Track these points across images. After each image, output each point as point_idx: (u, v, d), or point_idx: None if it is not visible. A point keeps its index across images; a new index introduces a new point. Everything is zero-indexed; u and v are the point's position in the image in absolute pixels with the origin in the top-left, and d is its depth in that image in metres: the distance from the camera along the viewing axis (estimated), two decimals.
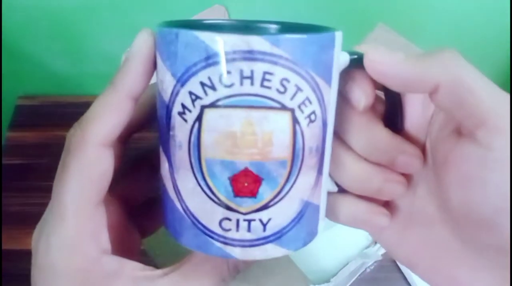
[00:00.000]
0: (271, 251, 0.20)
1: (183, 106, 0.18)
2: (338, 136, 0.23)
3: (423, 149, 0.23)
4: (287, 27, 0.23)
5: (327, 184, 0.22)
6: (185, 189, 0.20)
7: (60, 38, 0.64)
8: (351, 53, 0.21)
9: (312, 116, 0.19)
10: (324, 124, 0.20)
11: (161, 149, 0.21)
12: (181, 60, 0.18)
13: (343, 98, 0.22)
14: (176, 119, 0.19)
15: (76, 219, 0.19)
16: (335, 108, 0.21)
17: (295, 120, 0.18)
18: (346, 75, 0.21)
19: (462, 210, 0.20)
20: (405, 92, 0.22)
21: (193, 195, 0.19)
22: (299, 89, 0.18)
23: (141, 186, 0.25)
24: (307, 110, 0.19)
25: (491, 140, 0.19)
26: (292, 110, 0.18)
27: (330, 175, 0.23)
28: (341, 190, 0.23)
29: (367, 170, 0.22)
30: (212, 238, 0.20)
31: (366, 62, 0.20)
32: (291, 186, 0.19)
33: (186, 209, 0.20)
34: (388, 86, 0.20)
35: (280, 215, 0.20)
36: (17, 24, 0.61)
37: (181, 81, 0.18)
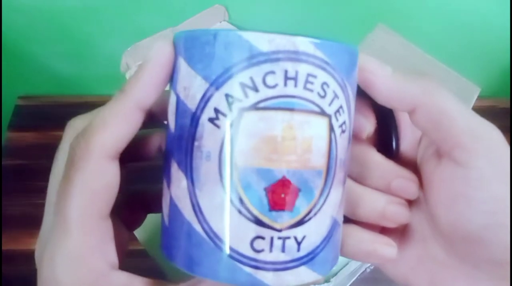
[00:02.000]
0: (304, 275, 0.18)
1: (217, 111, 0.17)
2: None
3: (415, 171, 0.23)
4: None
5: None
6: (210, 206, 0.18)
7: (60, 38, 0.64)
8: None
9: (344, 127, 0.19)
10: (350, 137, 0.20)
11: (174, 166, 0.19)
12: (219, 61, 0.17)
13: None
14: (205, 126, 0.17)
15: (82, 233, 0.18)
16: None
17: (331, 128, 0.18)
18: None
19: (450, 227, 0.21)
20: (388, 106, 0.22)
21: (221, 213, 0.17)
22: (336, 96, 0.18)
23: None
24: (340, 119, 0.18)
25: (470, 160, 0.19)
26: (329, 117, 0.18)
27: None
28: (345, 220, 0.22)
29: (368, 192, 0.22)
30: (241, 262, 0.17)
31: (359, 71, 0.20)
32: (325, 200, 0.18)
33: (209, 231, 0.18)
34: (374, 97, 0.21)
35: (314, 233, 0.18)
36: (17, 25, 0.61)
37: (217, 83, 0.17)
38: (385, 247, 0.22)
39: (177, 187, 0.19)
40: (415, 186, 0.22)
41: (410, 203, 0.23)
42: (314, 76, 0.17)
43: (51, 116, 0.66)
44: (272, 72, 0.17)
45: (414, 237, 0.23)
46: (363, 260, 0.22)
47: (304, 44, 0.17)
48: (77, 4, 0.59)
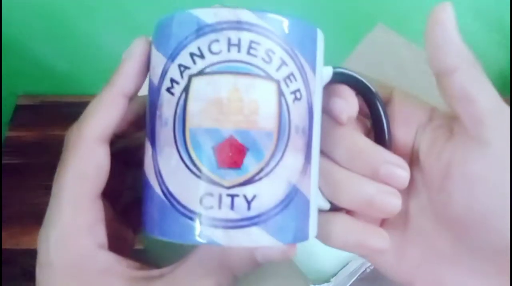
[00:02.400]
0: (256, 236, 0.18)
1: (172, 80, 0.19)
2: (323, 152, 0.22)
3: (410, 163, 0.22)
4: None
5: (316, 183, 0.21)
6: (167, 168, 0.19)
7: (60, 38, 0.64)
8: (334, 67, 0.22)
9: (298, 94, 0.19)
10: (310, 108, 0.20)
11: (146, 140, 0.21)
12: (174, 38, 0.19)
13: (327, 114, 0.22)
14: (164, 96, 0.19)
15: (73, 212, 0.20)
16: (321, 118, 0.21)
17: (280, 93, 0.19)
18: (330, 90, 0.22)
19: (464, 211, 0.20)
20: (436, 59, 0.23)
21: (175, 173, 0.19)
22: (284, 62, 0.19)
23: (119, 183, 0.24)
24: (292, 86, 0.19)
25: (492, 139, 0.19)
26: (277, 82, 0.19)
27: (321, 191, 0.22)
28: (334, 208, 0.22)
29: (355, 178, 0.21)
30: (192, 219, 0.18)
31: (430, 17, 0.22)
32: (277, 162, 0.19)
33: (166, 192, 0.19)
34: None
35: (266, 193, 0.19)
36: (17, 24, 0.61)
37: (172, 57, 0.19)
38: (376, 237, 0.21)
39: (147, 157, 0.20)
40: (405, 173, 0.21)
41: (408, 194, 0.22)
42: (257, 43, 0.19)
43: (50, 115, 0.66)
44: (216, 40, 0.19)
45: (418, 237, 0.22)
46: (352, 250, 0.22)
47: (246, 15, 0.19)
48: (78, 4, 0.59)
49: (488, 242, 0.20)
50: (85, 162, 0.20)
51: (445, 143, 0.21)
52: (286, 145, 0.19)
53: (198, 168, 0.18)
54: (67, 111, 0.68)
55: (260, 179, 0.19)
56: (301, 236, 0.20)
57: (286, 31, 0.19)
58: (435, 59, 0.22)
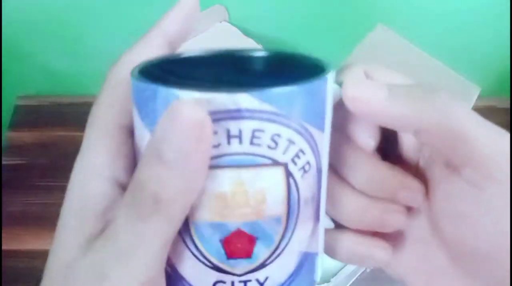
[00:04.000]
0: None
1: None
2: (335, 171, 0.22)
3: (417, 174, 0.22)
4: (273, 58, 0.21)
5: (324, 224, 0.21)
6: (175, 252, 0.18)
7: (60, 38, 0.64)
8: (339, 82, 0.20)
9: (306, 167, 0.18)
10: (319, 171, 0.19)
11: None
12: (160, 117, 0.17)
13: (343, 135, 0.21)
14: None
15: (98, 143, 0.18)
16: (329, 145, 0.20)
17: (288, 174, 0.17)
18: (343, 107, 0.20)
19: (456, 242, 0.20)
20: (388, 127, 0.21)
21: (183, 259, 0.18)
22: (291, 142, 0.17)
23: None
24: (300, 162, 0.18)
25: (483, 183, 0.18)
26: (285, 165, 0.17)
27: (326, 212, 0.21)
28: (338, 226, 0.22)
29: (365, 202, 0.21)
30: None
31: (346, 99, 0.19)
32: (288, 241, 0.18)
33: (174, 276, 0.18)
34: (371, 122, 0.20)
35: (277, 272, 0.18)
36: (17, 24, 0.61)
37: None
38: (380, 251, 0.22)
39: None
40: (421, 196, 0.21)
41: (413, 209, 0.22)
42: (261, 131, 0.16)
43: (50, 116, 0.66)
44: (214, 132, 0.16)
45: (416, 239, 0.22)
46: (358, 264, 0.22)
47: (247, 101, 0.16)
48: (78, 4, 0.59)
49: (484, 271, 0.20)
50: (117, 89, 0.19)
51: (439, 170, 0.21)
52: (296, 222, 0.18)
53: (206, 259, 0.18)
54: (67, 111, 0.68)
55: (272, 262, 0.18)
56: (313, 284, 0.20)
57: (294, 106, 0.17)
58: (398, 127, 0.21)
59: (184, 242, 0.18)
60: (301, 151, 0.17)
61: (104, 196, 0.18)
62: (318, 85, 0.18)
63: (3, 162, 0.61)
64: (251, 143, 0.16)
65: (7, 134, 0.64)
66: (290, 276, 0.19)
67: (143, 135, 0.17)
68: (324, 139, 0.19)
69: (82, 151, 0.18)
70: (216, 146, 0.16)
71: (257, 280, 0.18)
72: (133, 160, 0.19)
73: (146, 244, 0.16)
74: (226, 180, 0.17)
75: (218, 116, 0.16)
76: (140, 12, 0.60)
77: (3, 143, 0.63)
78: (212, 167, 0.16)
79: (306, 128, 0.17)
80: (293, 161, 0.17)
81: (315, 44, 0.65)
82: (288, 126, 0.17)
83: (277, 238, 0.18)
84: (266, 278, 0.18)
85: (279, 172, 0.17)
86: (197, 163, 0.15)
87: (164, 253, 0.16)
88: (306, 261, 0.19)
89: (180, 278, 0.18)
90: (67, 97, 0.68)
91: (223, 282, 0.18)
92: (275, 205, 0.17)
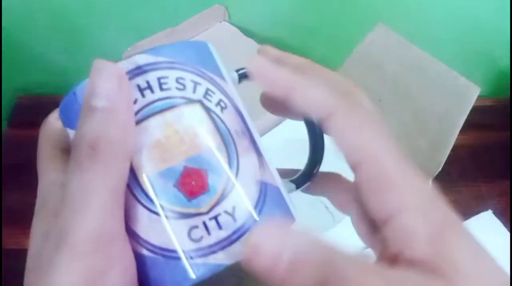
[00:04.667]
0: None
1: None
2: None
3: None
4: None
5: (274, 169, 0.21)
6: (142, 227, 0.18)
7: (60, 36, 0.64)
8: (237, 70, 0.23)
9: (222, 104, 0.20)
10: (238, 110, 0.21)
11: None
12: None
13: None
14: None
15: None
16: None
17: (207, 109, 0.19)
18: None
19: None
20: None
21: (151, 227, 0.18)
22: (197, 83, 0.20)
23: None
24: (213, 99, 0.20)
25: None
26: (199, 101, 0.19)
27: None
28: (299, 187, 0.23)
29: None
30: (191, 258, 0.18)
31: (252, 68, 0.20)
32: (237, 170, 0.19)
33: (152, 249, 0.18)
34: (271, 93, 0.20)
35: (242, 200, 0.19)
36: (17, 23, 0.61)
37: None
38: None
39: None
40: None
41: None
42: (166, 77, 0.19)
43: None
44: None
45: None
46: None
47: (142, 58, 0.19)
48: (78, 2, 0.59)
49: None
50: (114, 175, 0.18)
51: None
52: (236, 151, 0.20)
53: (171, 210, 0.18)
54: None
55: (231, 190, 0.19)
56: (289, 220, 0.21)
57: (184, 55, 0.20)
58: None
59: (146, 208, 0.18)
60: (209, 90, 0.20)
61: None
62: (197, 44, 0.21)
63: (3, 160, 0.60)
64: (161, 89, 0.19)
65: (6, 132, 0.64)
66: (257, 204, 0.19)
67: None
68: (229, 87, 0.21)
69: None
70: (135, 102, 0.19)
71: (226, 212, 0.19)
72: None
73: (91, 194, 0.16)
74: (155, 127, 0.18)
75: (128, 77, 0.19)
76: (140, 12, 0.60)
77: (3, 141, 0.63)
78: (139, 121, 0.18)
79: (204, 72, 0.20)
80: (205, 97, 0.20)
81: (315, 44, 0.65)
82: (186, 70, 0.20)
83: (225, 167, 0.19)
84: (234, 208, 0.19)
85: (197, 108, 0.19)
86: (123, 109, 0.17)
87: (114, 207, 0.17)
88: (267, 190, 0.20)
89: (156, 248, 0.18)
90: None
91: (196, 226, 0.18)
92: (208, 136, 0.19)
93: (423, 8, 0.59)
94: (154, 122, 0.19)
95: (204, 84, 0.20)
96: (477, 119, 0.49)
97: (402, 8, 0.59)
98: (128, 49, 0.54)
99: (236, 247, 0.18)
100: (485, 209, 0.54)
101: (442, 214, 0.17)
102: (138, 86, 0.19)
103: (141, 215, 0.18)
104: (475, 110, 0.46)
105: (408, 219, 0.17)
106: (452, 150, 0.46)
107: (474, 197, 0.57)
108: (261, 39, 0.61)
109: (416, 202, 0.17)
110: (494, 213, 0.54)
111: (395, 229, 0.17)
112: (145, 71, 0.19)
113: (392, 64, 0.50)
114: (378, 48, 0.50)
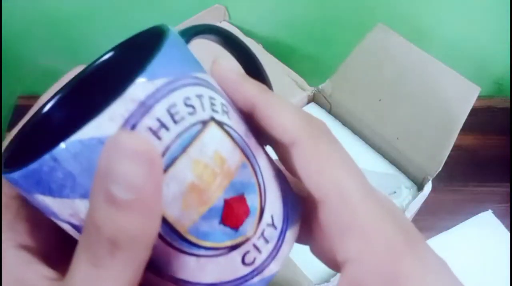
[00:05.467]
0: (290, 237, 0.19)
1: None
2: None
3: None
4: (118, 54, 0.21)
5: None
6: (190, 272, 0.17)
7: (60, 38, 0.64)
8: (181, 30, 0.19)
9: (225, 108, 0.18)
10: (231, 105, 0.19)
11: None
12: (83, 174, 0.15)
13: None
14: None
15: None
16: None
17: (220, 124, 0.17)
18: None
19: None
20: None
21: (200, 269, 0.17)
22: (200, 97, 0.16)
23: None
24: (218, 108, 0.17)
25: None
26: (212, 118, 0.17)
27: None
28: None
29: None
30: (247, 281, 0.18)
31: (217, 75, 0.19)
32: (261, 174, 0.18)
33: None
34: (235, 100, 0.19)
35: (275, 204, 0.19)
36: (17, 24, 0.61)
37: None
38: None
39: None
40: None
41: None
42: (174, 105, 0.16)
43: None
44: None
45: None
46: None
47: (140, 90, 0.15)
48: (78, 5, 0.59)
49: None
50: None
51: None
52: (253, 154, 0.18)
53: (221, 248, 0.17)
54: None
55: (265, 200, 0.18)
56: (301, 210, 0.20)
57: (172, 63, 0.16)
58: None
59: (189, 253, 0.17)
60: (211, 98, 0.17)
61: (13, 264, 0.16)
62: (172, 39, 0.17)
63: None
64: (175, 122, 0.15)
65: (6, 134, 0.64)
66: (282, 201, 0.19)
67: (72, 207, 0.15)
68: (212, 79, 0.19)
69: None
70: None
71: (268, 224, 0.18)
72: (37, 220, 0.17)
73: None
74: (184, 171, 0.15)
75: (132, 122, 0.14)
76: (140, 12, 0.60)
77: (3, 142, 0.63)
78: (165, 170, 0.15)
79: (197, 77, 0.17)
80: (213, 110, 0.17)
81: (315, 44, 0.65)
82: (186, 84, 0.16)
83: (254, 179, 0.18)
84: (272, 217, 0.18)
85: (213, 127, 0.16)
86: (152, 198, 0.14)
87: None
88: (280, 183, 0.19)
89: (205, 285, 0.17)
90: None
91: (247, 252, 0.18)
92: (233, 156, 0.17)
93: (423, 8, 0.59)
94: (181, 166, 0.15)
95: (206, 93, 0.17)
96: (477, 120, 0.49)
97: (402, 8, 0.59)
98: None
99: (282, 252, 0.19)
100: (485, 209, 0.54)
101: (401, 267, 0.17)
102: (150, 129, 0.15)
103: (187, 263, 0.17)
104: (475, 110, 0.46)
105: (361, 272, 0.17)
106: (452, 150, 0.46)
107: (474, 197, 0.57)
108: (261, 39, 0.61)
109: (372, 255, 0.17)
110: (494, 213, 0.54)
111: (348, 276, 0.17)
112: (150, 107, 0.15)
113: (392, 64, 0.50)
114: (378, 48, 0.50)
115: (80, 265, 0.14)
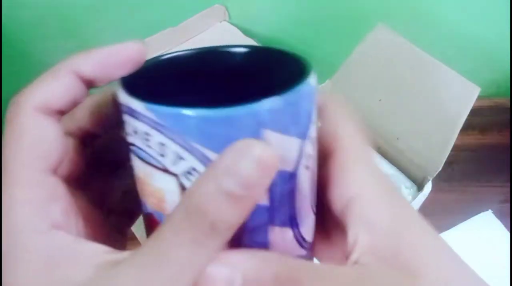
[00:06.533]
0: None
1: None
2: None
3: None
4: (256, 52, 0.22)
5: None
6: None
7: (62, 37, 0.64)
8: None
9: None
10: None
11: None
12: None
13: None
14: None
15: (18, 185, 0.17)
16: None
17: (182, 187, 0.17)
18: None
19: None
20: None
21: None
22: (180, 157, 0.16)
23: (105, 184, 0.22)
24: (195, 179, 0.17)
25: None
26: (176, 176, 0.17)
27: None
28: None
29: None
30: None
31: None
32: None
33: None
34: None
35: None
36: (17, 24, 0.61)
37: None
38: None
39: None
40: None
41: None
42: (148, 135, 0.17)
43: None
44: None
45: None
46: None
47: (138, 104, 0.17)
48: (80, 3, 0.59)
49: None
50: (23, 133, 0.18)
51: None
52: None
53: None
54: None
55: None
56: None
57: (176, 123, 0.16)
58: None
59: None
60: (194, 169, 0.17)
61: (44, 246, 0.17)
62: (189, 116, 0.16)
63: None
64: (146, 145, 0.17)
65: None
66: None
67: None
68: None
69: (7, 211, 0.17)
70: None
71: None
72: (71, 198, 0.19)
73: (196, 266, 0.16)
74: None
75: (133, 116, 0.17)
76: (140, 12, 0.60)
77: None
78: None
79: (199, 150, 0.16)
80: (186, 176, 0.17)
81: (315, 44, 0.65)
82: (173, 139, 0.16)
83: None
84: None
85: (172, 181, 0.17)
86: (256, 198, 0.16)
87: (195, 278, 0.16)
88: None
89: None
90: None
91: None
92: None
93: (423, 8, 0.59)
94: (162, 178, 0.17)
95: (190, 162, 0.17)
96: (477, 120, 0.49)
97: (402, 8, 0.59)
98: None
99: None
100: (485, 209, 0.54)
101: (404, 206, 0.18)
102: (134, 129, 0.18)
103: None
104: (475, 110, 0.46)
105: (369, 206, 0.18)
106: (452, 150, 0.46)
107: (474, 197, 0.57)
108: (261, 39, 0.61)
109: (376, 191, 0.18)
110: (494, 213, 0.54)
111: (354, 214, 0.18)
112: (136, 118, 0.17)
113: (392, 64, 0.50)
114: (378, 48, 0.50)
115: (175, 239, 0.16)
